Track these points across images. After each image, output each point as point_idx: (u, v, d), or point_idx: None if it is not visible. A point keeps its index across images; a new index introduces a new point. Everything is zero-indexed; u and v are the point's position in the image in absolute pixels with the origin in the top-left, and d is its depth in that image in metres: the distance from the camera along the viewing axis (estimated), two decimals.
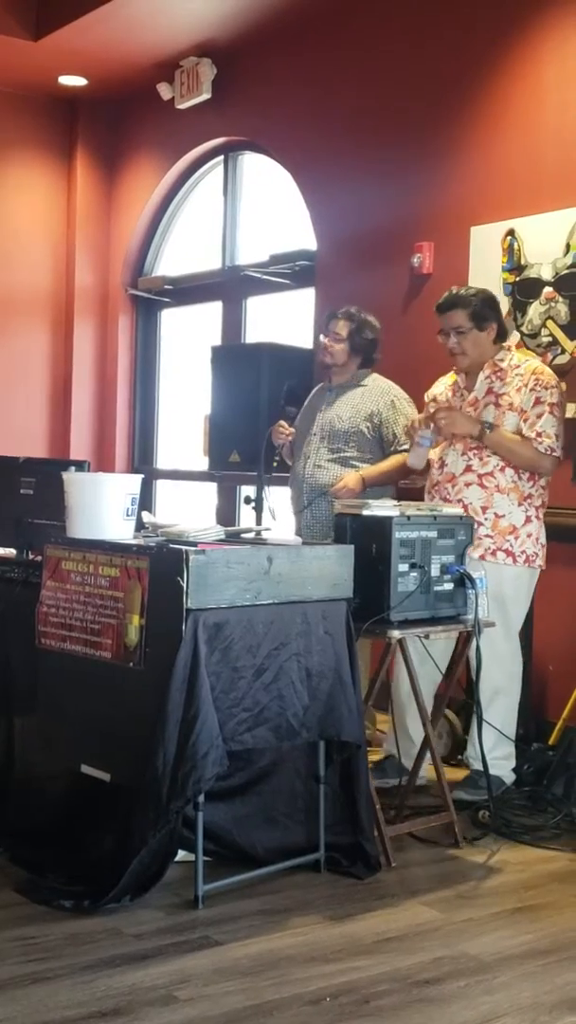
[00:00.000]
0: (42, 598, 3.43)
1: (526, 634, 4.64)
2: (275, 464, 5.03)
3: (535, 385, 4.06)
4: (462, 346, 4.13)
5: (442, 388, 4.35)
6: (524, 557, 4.09)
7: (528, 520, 4.09)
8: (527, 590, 4.17)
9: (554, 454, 4.05)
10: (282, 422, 4.91)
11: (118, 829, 3.15)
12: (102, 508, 3.34)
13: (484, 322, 4.13)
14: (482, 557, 4.00)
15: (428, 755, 3.81)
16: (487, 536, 4.03)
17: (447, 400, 4.26)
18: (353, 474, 4.46)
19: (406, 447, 4.38)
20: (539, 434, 4.03)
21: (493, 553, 4.04)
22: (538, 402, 4.05)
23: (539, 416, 4.04)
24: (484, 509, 4.03)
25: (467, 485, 4.07)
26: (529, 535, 4.09)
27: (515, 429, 4.05)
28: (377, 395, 4.56)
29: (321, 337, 4.70)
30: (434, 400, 4.34)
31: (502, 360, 4.16)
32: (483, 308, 4.13)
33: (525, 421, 4.04)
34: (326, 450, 4.56)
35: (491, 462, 4.06)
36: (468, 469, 4.10)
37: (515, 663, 4.18)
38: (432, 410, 4.17)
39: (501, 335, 4.21)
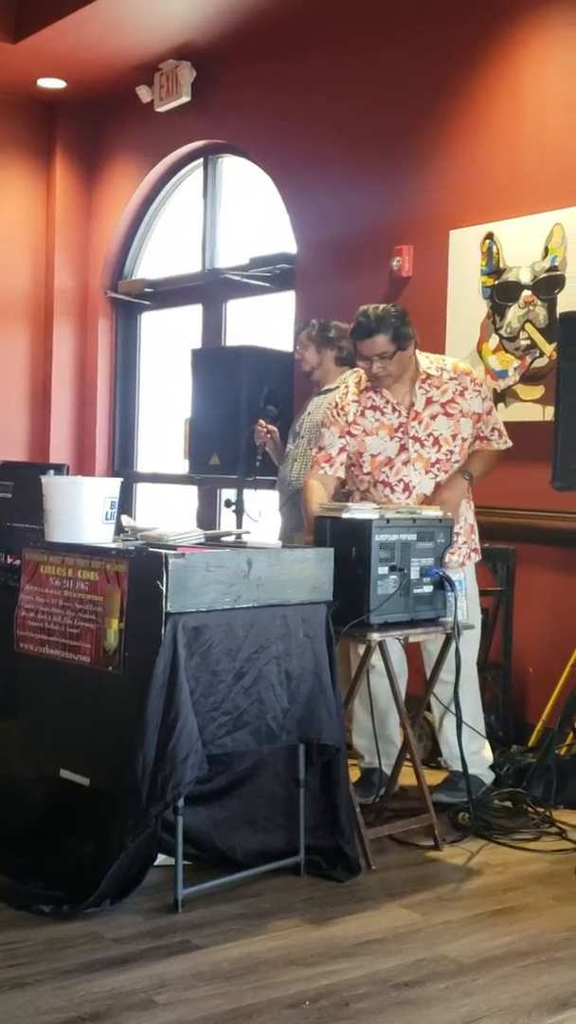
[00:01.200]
0: (20, 602, 3.42)
1: (505, 636, 4.67)
2: (258, 464, 5.03)
3: (472, 385, 4.07)
4: (388, 370, 3.95)
5: (356, 408, 4.05)
6: (481, 551, 4.20)
7: (474, 515, 4.19)
8: None
9: (509, 442, 4.13)
10: (262, 421, 4.93)
11: (98, 834, 3.14)
12: (81, 512, 3.33)
13: (405, 341, 3.94)
14: (462, 564, 4.04)
15: (406, 758, 3.82)
16: (464, 543, 4.08)
17: (377, 422, 4.01)
18: None
19: None
20: (500, 433, 4.11)
21: (468, 556, 4.11)
22: (485, 400, 4.10)
23: (489, 413, 4.10)
24: (460, 517, 4.06)
25: (443, 502, 4.07)
26: (476, 528, 4.20)
27: (469, 433, 4.06)
28: None
29: (296, 356, 4.82)
30: (356, 425, 4.03)
31: (427, 367, 4.06)
32: (402, 327, 3.93)
33: (481, 422, 4.07)
34: (310, 450, 4.57)
35: (452, 469, 4.06)
36: (437, 486, 4.05)
37: (476, 657, 4.23)
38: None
39: (416, 345, 4.06)
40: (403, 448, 4.02)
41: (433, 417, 4.02)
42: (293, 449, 4.71)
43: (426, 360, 4.09)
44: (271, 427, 4.95)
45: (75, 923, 3.01)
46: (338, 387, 4.58)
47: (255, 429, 4.93)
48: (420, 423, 4.02)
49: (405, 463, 4.02)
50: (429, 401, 4.03)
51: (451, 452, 4.04)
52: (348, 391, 4.13)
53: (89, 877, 3.08)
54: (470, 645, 4.10)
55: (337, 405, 4.11)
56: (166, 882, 3.20)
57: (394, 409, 4.04)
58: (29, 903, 3.09)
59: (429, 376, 4.05)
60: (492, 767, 4.20)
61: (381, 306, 3.98)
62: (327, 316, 4.78)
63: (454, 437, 4.04)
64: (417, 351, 4.08)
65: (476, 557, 4.16)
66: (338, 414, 4.09)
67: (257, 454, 5.04)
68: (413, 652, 4.18)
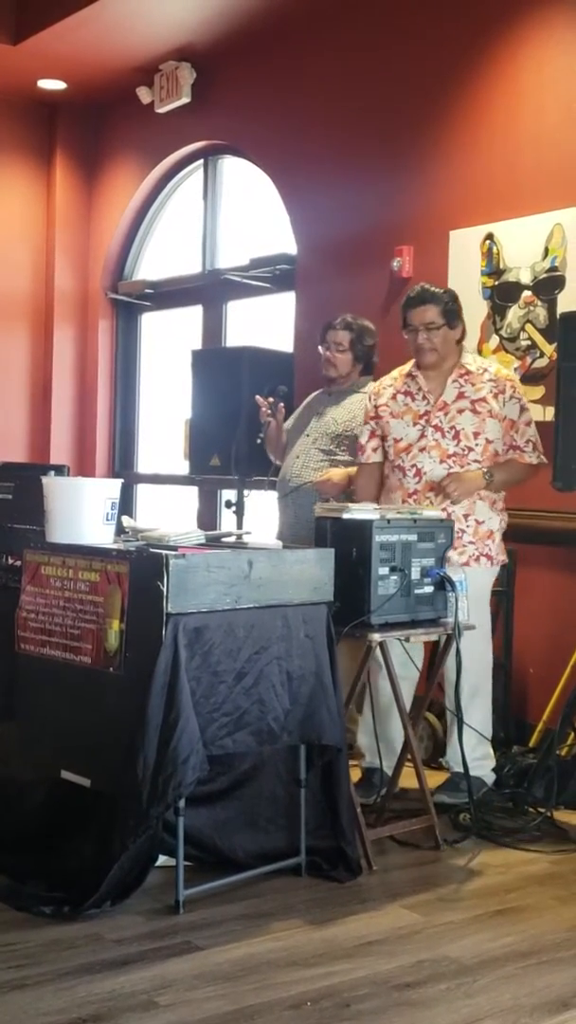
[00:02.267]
0: (21, 603, 3.42)
1: (506, 637, 4.67)
2: (259, 441, 4.90)
3: (514, 393, 4.10)
4: (433, 342, 4.05)
5: (390, 391, 4.18)
6: (500, 560, 4.17)
7: (501, 524, 4.16)
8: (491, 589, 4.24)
9: (544, 460, 4.10)
10: (271, 399, 4.77)
11: (98, 835, 3.14)
12: (82, 512, 3.33)
13: (455, 320, 4.10)
14: (466, 564, 4.02)
15: (408, 758, 3.82)
16: (470, 543, 4.06)
17: (405, 406, 4.12)
18: (339, 469, 4.44)
19: None
20: (534, 445, 4.10)
21: (477, 559, 4.07)
22: (524, 410, 4.10)
23: (527, 424, 4.10)
24: (466, 516, 4.05)
25: (452, 479, 4.07)
26: (500, 539, 4.16)
27: (496, 436, 4.07)
28: None
29: (321, 349, 4.65)
30: (385, 407, 4.16)
31: (469, 363, 4.13)
32: (454, 306, 4.10)
33: (515, 431, 4.08)
34: (317, 451, 4.55)
35: (472, 468, 4.06)
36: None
37: (489, 664, 4.21)
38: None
39: (463, 336, 4.19)
40: (422, 435, 4.07)
41: (460, 411, 4.06)
42: (297, 446, 4.64)
43: (471, 358, 4.16)
44: (280, 406, 4.79)
45: (76, 924, 3.01)
46: (352, 389, 4.56)
47: (261, 408, 4.73)
48: (446, 414, 4.06)
49: (421, 450, 4.07)
50: (460, 396, 4.07)
51: (470, 448, 4.05)
52: (390, 375, 4.25)
53: (90, 878, 3.08)
54: (479, 650, 4.09)
55: (374, 392, 4.25)
56: (167, 883, 3.19)
57: (424, 397, 4.11)
58: (30, 904, 3.09)
59: (467, 372, 4.10)
60: (493, 768, 4.20)
61: (436, 286, 4.15)
62: (355, 316, 4.64)
63: (476, 435, 4.05)
64: (466, 351, 4.17)
65: (488, 563, 4.10)
66: (370, 398, 4.25)
67: (260, 432, 4.83)
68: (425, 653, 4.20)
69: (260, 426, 4.85)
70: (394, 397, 4.17)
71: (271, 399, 4.78)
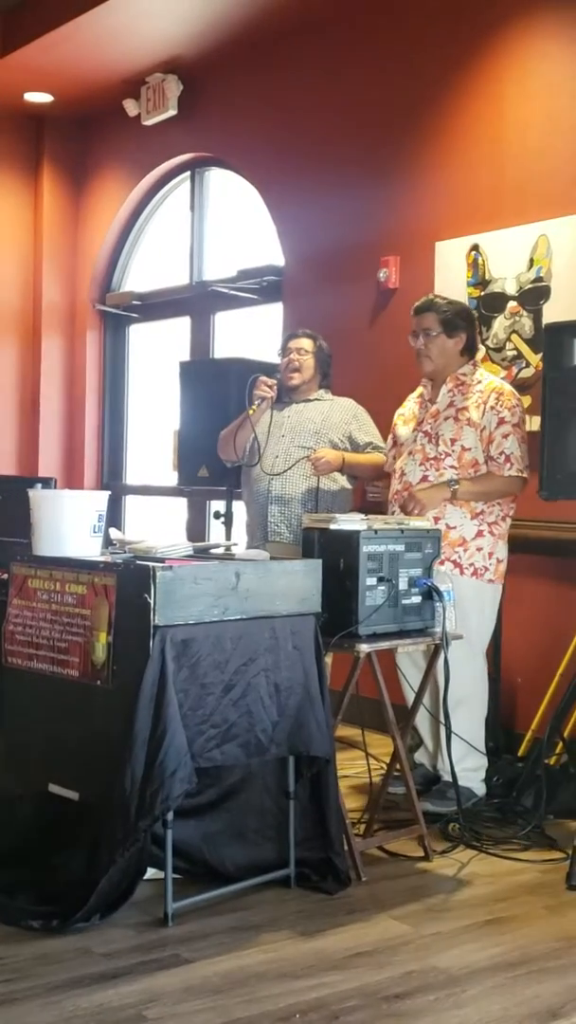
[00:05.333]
0: (8, 616, 3.42)
1: (495, 646, 4.67)
2: (251, 411, 4.77)
3: (496, 404, 4.11)
4: (428, 348, 4.20)
5: (410, 403, 4.42)
6: (472, 569, 4.12)
7: (479, 534, 4.12)
8: (480, 602, 4.16)
9: (522, 475, 4.11)
10: (272, 380, 4.70)
11: (87, 848, 3.13)
12: (68, 525, 3.33)
13: (453, 330, 4.21)
14: (440, 563, 4.04)
15: (396, 768, 3.82)
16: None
17: (413, 414, 4.33)
18: (335, 451, 4.47)
19: (380, 449, 4.52)
20: (507, 458, 4.09)
21: (441, 563, 4.06)
22: (502, 423, 4.10)
23: (504, 437, 4.09)
24: (436, 520, 4.07)
25: (411, 495, 4.10)
26: (479, 548, 4.12)
27: (473, 444, 4.11)
28: (344, 409, 4.64)
29: (282, 360, 4.67)
30: (400, 414, 4.43)
31: (465, 375, 4.23)
32: (455, 318, 4.21)
33: (491, 442, 4.10)
34: (296, 448, 4.54)
35: (446, 474, 4.11)
36: (424, 479, 4.16)
37: (477, 674, 4.19)
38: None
39: (470, 349, 4.27)
40: (415, 440, 4.24)
41: (446, 419, 4.18)
42: (273, 446, 4.60)
43: (472, 369, 4.25)
44: (273, 382, 4.63)
45: (64, 938, 3.00)
46: (330, 400, 4.61)
47: (260, 383, 4.59)
48: (435, 420, 4.20)
49: (409, 453, 4.24)
50: (451, 404, 4.20)
51: (447, 454, 4.13)
52: (417, 389, 4.42)
53: (78, 892, 3.07)
54: (472, 663, 4.12)
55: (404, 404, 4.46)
56: (156, 896, 3.19)
57: (425, 405, 4.28)
58: (18, 918, 3.08)
59: (461, 383, 4.21)
60: (483, 780, 4.20)
61: (448, 298, 4.35)
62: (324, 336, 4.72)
63: (453, 442, 4.14)
64: (477, 363, 4.30)
65: (455, 570, 4.07)
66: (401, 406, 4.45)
67: (249, 406, 4.63)
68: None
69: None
70: (410, 406, 4.39)
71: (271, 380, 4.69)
